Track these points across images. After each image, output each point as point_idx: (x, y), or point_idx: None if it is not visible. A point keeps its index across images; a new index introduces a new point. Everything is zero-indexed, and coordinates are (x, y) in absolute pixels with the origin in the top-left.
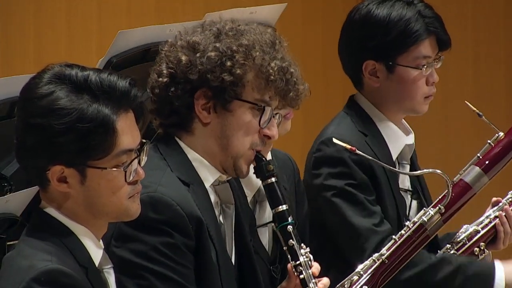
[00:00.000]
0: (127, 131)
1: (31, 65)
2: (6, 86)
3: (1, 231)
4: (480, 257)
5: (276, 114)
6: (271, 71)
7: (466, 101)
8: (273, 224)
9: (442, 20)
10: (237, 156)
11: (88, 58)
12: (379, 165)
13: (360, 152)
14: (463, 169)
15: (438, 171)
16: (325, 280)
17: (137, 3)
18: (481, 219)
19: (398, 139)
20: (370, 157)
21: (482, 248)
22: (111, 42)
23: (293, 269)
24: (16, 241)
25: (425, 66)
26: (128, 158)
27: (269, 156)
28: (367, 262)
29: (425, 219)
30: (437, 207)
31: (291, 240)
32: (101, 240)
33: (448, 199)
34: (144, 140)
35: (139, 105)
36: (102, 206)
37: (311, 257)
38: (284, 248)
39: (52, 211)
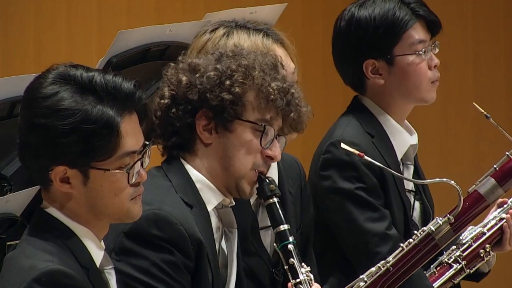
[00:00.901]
0: (131, 133)
1: (31, 65)
2: (6, 86)
3: (1, 231)
4: (486, 259)
5: (279, 136)
6: (271, 90)
7: (474, 103)
8: (274, 244)
9: (426, 4)
10: (239, 176)
11: (88, 58)
12: (387, 171)
13: (369, 158)
14: (479, 180)
15: (452, 182)
16: None
17: (137, 3)
18: (486, 220)
19: (403, 139)
20: (379, 163)
21: (487, 250)
22: (111, 42)
23: (293, 287)
24: (16, 241)
25: (423, 51)
26: (131, 160)
27: (274, 165)
28: (372, 269)
29: (433, 228)
30: (446, 217)
31: (291, 259)
32: (102, 241)
33: (459, 210)
34: (147, 142)
35: (143, 107)
36: (104, 208)
37: (312, 276)
38: (285, 267)
39: (53, 212)
